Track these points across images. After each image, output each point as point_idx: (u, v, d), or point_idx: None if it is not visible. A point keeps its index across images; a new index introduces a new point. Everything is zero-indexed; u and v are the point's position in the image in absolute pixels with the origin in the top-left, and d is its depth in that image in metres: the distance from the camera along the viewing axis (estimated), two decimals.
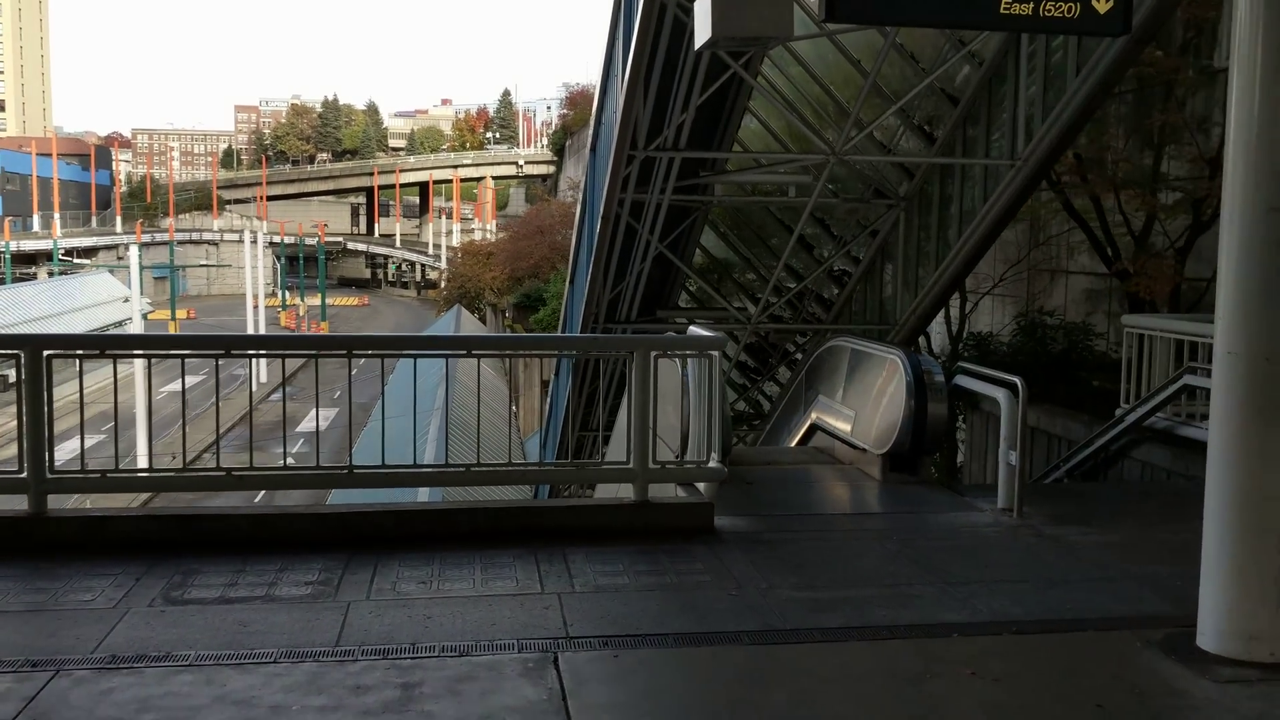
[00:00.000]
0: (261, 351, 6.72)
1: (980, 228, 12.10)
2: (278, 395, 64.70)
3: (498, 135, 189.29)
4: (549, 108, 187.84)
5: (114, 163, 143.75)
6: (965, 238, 12.35)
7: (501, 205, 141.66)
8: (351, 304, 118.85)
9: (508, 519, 6.47)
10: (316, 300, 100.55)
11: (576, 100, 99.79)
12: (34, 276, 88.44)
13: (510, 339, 9.96)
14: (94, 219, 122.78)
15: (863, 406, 8.71)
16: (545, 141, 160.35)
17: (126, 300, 76.33)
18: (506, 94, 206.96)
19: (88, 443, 6.86)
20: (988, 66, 11.93)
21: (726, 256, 17.60)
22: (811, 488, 8.38)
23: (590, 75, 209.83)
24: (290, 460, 6.85)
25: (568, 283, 15.29)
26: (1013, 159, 11.31)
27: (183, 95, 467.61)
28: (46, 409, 6.09)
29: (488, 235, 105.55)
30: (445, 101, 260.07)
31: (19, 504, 6.20)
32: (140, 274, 51.41)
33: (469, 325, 51.40)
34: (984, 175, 12.25)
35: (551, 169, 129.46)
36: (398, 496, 7.05)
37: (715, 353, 6.71)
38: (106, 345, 6.14)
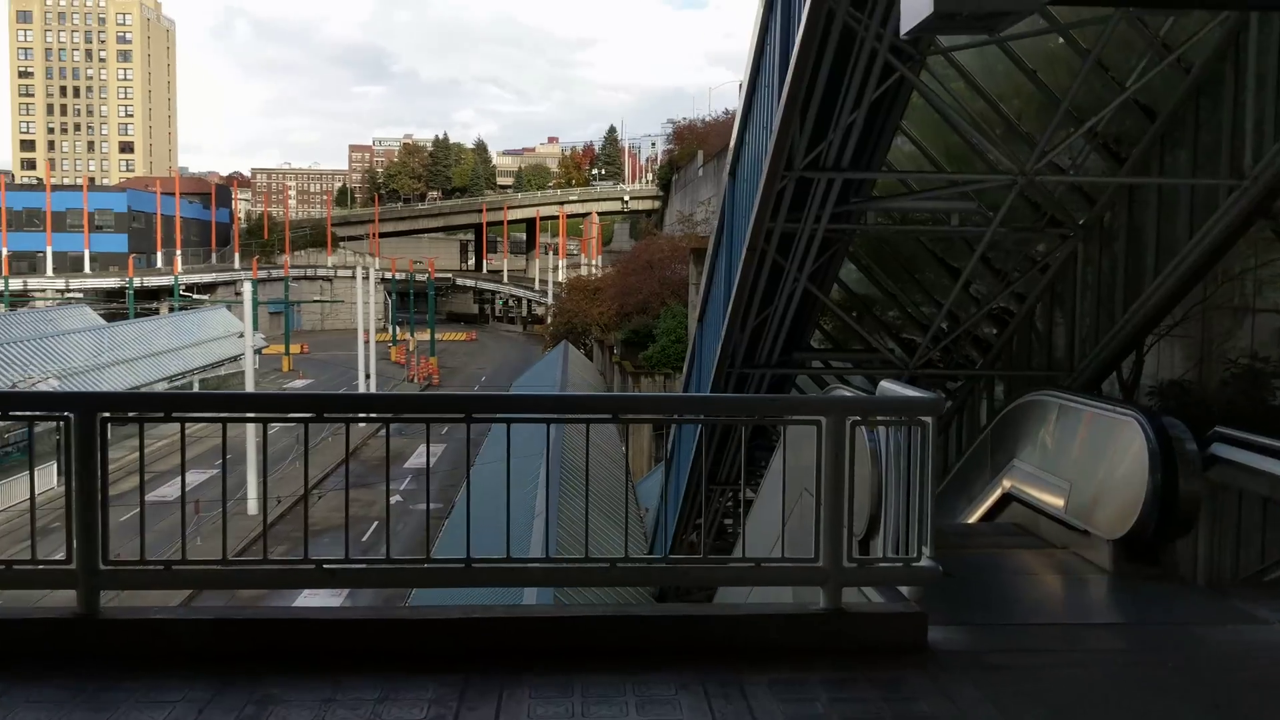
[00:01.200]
0: (362, 414, 5.08)
1: (1188, 260, 10.38)
2: (384, 432, 64.60)
3: (603, 172, 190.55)
4: (653, 144, 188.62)
5: (234, 201, 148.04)
6: (1167, 272, 10.62)
7: (606, 241, 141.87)
8: (459, 339, 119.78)
9: (663, 632, 5.07)
10: (426, 335, 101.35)
11: (683, 135, 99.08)
12: (156, 311, 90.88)
13: (666, 400, 8.40)
14: (213, 256, 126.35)
15: (1082, 477, 7.13)
16: (650, 177, 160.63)
17: (242, 335, 77.78)
18: (612, 131, 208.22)
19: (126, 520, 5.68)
20: (1196, 73, 10.26)
21: (868, 293, 16.02)
22: (1028, 582, 6.81)
23: (695, 112, 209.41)
24: (354, 542, 5.55)
25: (697, 321, 13.92)
26: (1238, 178, 9.60)
27: (300, 137, 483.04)
28: (101, 485, 4.90)
29: (594, 271, 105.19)
30: (552, 140, 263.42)
31: (68, 599, 5.02)
32: (255, 309, 51.82)
33: (576, 362, 50.52)
34: (1190, 199, 10.54)
35: (657, 204, 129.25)
36: (498, 596, 5.70)
37: (929, 419, 5.23)
38: (174, 405, 4.90)
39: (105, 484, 4.96)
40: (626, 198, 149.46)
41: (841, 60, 9.07)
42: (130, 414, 4.96)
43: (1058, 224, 12.44)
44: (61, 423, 4.88)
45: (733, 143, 12.03)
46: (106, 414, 4.92)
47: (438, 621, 5.00)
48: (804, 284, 11.65)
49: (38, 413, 4.96)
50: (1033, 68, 11.11)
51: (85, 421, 4.88)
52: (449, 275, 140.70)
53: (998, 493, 8.43)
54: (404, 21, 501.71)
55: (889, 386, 5.98)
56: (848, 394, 7.21)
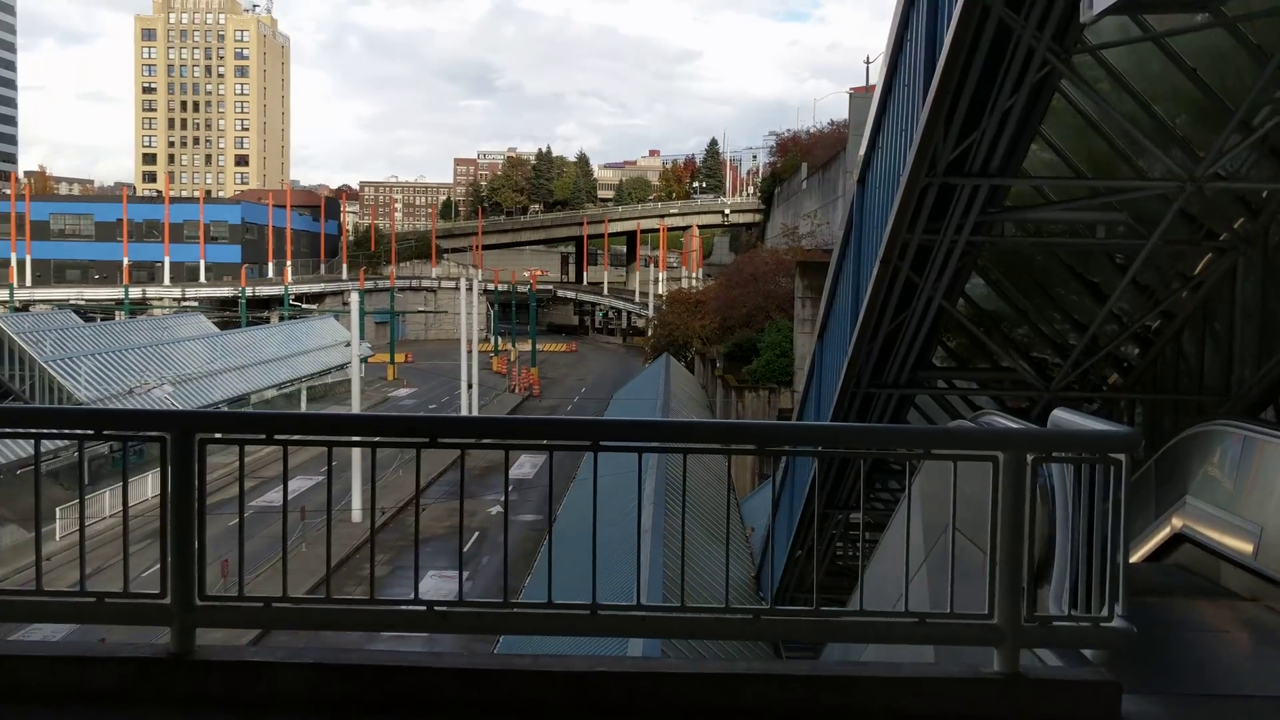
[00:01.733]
0: (485, 440, 4.56)
1: None
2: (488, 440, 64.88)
3: (704, 184, 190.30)
4: (754, 157, 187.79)
5: (342, 214, 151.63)
6: None
7: (706, 254, 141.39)
8: (560, 350, 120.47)
9: (812, 695, 4.45)
10: (527, 346, 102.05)
11: (786, 147, 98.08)
12: (267, 320, 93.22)
13: (812, 430, 7.50)
14: (322, 266, 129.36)
15: (1275, 520, 6.30)
16: (752, 190, 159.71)
17: (349, 344, 79.19)
18: (714, 143, 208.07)
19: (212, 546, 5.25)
20: None
21: (995, 308, 15.14)
22: (1218, 642, 6.00)
23: (799, 124, 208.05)
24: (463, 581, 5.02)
25: (816, 337, 13.24)
26: None
27: (407, 150, 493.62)
28: (198, 512, 4.49)
29: (694, 283, 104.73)
30: (653, 153, 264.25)
31: (160, 635, 4.61)
32: (361, 319, 52.52)
33: (678, 375, 50.02)
34: None
35: (758, 217, 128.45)
36: (585, 644, 5.07)
37: (1123, 456, 4.52)
38: (276, 426, 4.46)
39: (203, 512, 4.54)
40: (727, 210, 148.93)
41: (994, 59, 8.35)
42: (230, 435, 4.54)
43: (1214, 236, 11.47)
44: (160, 444, 4.48)
45: (863, 149, 11.34)
46: (205, 435, 4.51)
47: (560, 674, 4.47)
48: (939, 299, 10.90)
49: (132, 432, 4.56)
50: (1192, 66, 10.21)
51: (182, 443, 4.48)
52: (550, 287, 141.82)
53: (1165, 532, 7.61)
54: (510, 36, 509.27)
55: (1067, 417, 5.26)
56: (1017, 425, 6.50)
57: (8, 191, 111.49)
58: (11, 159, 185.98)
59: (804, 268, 41.27)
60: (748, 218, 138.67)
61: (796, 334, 40.81)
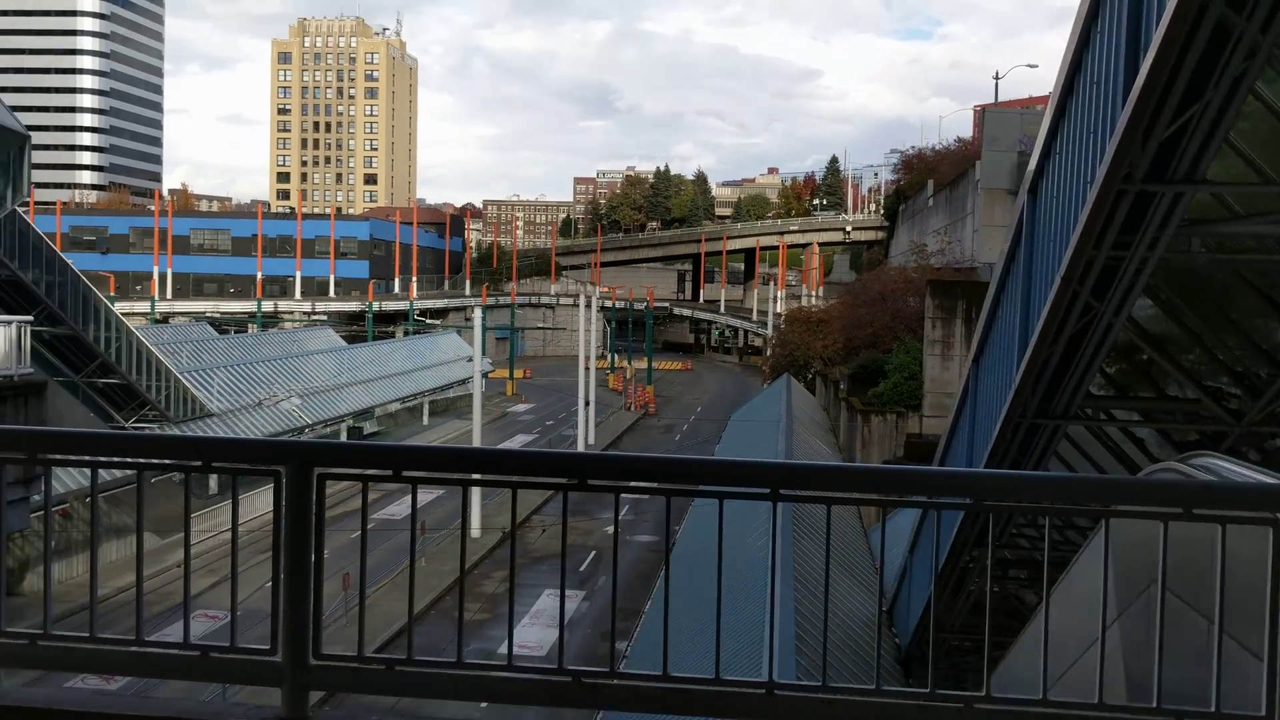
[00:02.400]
0: (636, 484, 3.82)
1: None
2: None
3: (824, 202, 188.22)
4: (875, 174, 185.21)
5: (466, 231, 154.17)
6: None
7: (826, 272, 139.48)
8: (675, 368, 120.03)
9: None
10: (643, 363, 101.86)
11: (911, 164, 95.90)
12: (392, 334, 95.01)
13: (1033, 481, 6.23)
14: (446, 282, 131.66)
15: None
16: (874, 207, 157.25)
17: (470, 360, 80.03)
18: (834, 161, 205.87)
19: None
20: None
21: (1164, 330, 13.89)
22: None
23: (922, 141, 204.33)
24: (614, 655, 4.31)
25: (971, 361, 12.26)
26: None
27: (528, 170, 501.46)
28: (315, 559, 3.91)
29: (814, 302, 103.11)
30: (772, 170, 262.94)
31: (269, 697, 4.04)
32: (483, 334, 52.80)
33: (799, 396, 48.86)
34: None
35: (880, 234, 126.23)
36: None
37: None
38: (404, 461, 3.85)
39: (321, 557, 3.96)
40: (849, 228, 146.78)
41: (1208, 57, 7.37)
42: (353, 470, 3.95)
43: None
44: (275, 478, 3.92)
45: (1035, 156, 10.37)
46: (324, 469, 3.93)
47: None
48: (1122, 322, 9.86)
49: (244, 465, 4.01)
50: None
51: (298, 478, 3.91)
52: (666, 304, 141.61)
53: None
54: (630, 58, 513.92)
55: (1229, 466, 4.31)
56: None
57: (152, 208, 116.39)
58: (157, 178, 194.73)
59: (935, 287, 39.79)
60: (870, 235, 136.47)
61: (926, 356, 39.34)
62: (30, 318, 17.35)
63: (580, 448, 62.73)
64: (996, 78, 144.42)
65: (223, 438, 4.00)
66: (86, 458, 4.13)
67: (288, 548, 3.93)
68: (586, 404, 63.70)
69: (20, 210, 32.26)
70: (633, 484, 3.83)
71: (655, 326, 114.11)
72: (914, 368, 39.53)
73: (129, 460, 4.02)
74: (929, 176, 72.62)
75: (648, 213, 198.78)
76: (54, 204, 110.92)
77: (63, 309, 33.86)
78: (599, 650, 31.64)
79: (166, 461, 4.09)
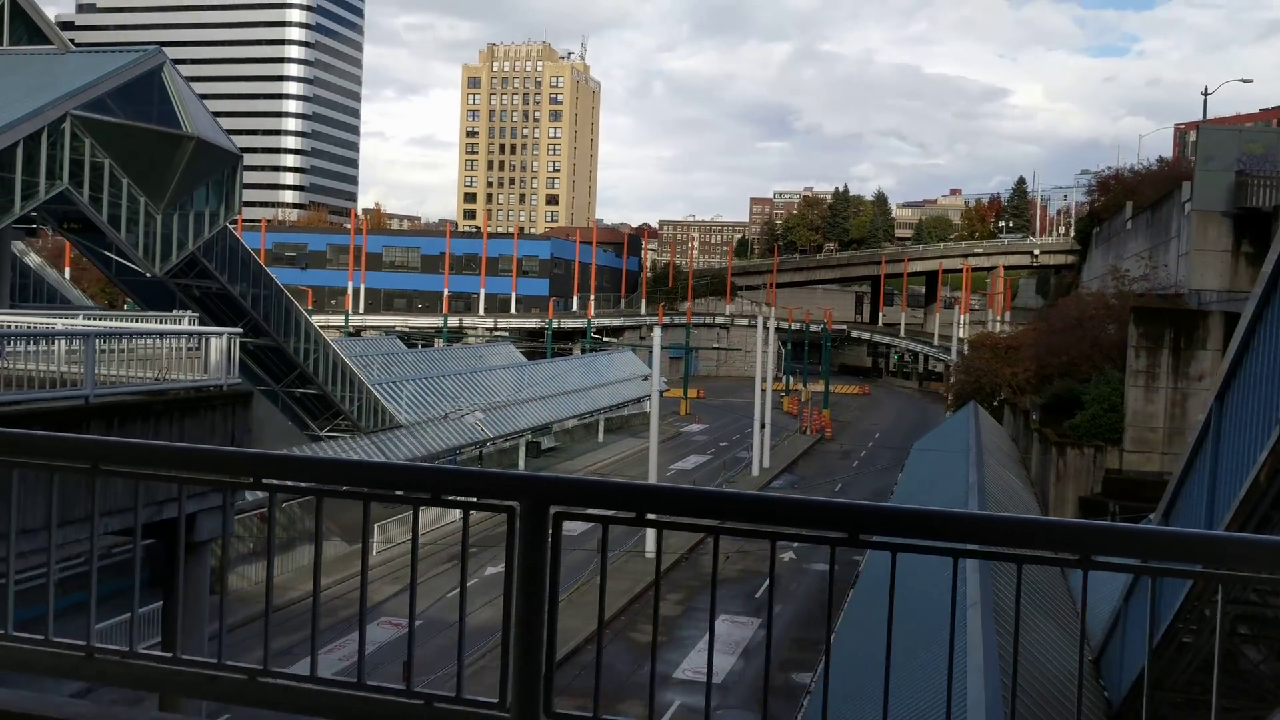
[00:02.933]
0: (934, 543, 3.27)
1: None
2: (779, 481, 63.98)
3: (1010, 224, 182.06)
4: (1065, 196, 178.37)
5: (643, 251, 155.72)
6: None
7: (1011, 296, 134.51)
8: (852, 392, 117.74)
9: None
10: (818, 386, 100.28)
11: (1107, 186, 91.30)
12: (569, 351, 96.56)
13: None
14: (622, 301, 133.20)
15: None
16: (1064, 230, 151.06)
17: (645, 378, 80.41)
18: (1021, 182, 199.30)
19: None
20: None
21: None
22: None
23: (1118, 162, 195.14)
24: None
25: (1214, 398, 11.12)
26: None
27: (705, 191, 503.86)
28: (549, 604, 3.57)
29: (1001, 327, 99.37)
30: (954, 192, 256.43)
31: None
32: (656, 353, 52.87)
33: (986, 425, 46.82)
34: None
35: (1071, 258, 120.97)
36: None
37: None
38: (651, 503, 3.47)
39: (555, 604, 3.62)
40: (1037, 251, 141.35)
41: None
42: (590, 510, 3.59)
43: None
44: (509, 514, 3.61)
45: None
46: (562, 509, 3.59)
47: None
48: None
49: (474, 499, 3.71)
50: None
51: (533, 517, 3.58)
52: (843, 327, 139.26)
53: None
54: (809, 78, 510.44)
55: None
56: None
57: (348, 226, 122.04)
58: (353, 197, 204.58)
59: (1139, 314, 37.50)
60: (1059, 259, 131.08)
61: (1128, 387, 37.06)
62: (240, 329, 18.04)
63: (755, 471, 61.95)
64: (1205, 94, 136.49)
65: (453, 468, 3.67)
66: (312, 485, 3.92)
67: (520, 592, 3.60)
68: (762, 426, 62.93)
69: (230, 226, 34.04)
70: (913, 542, 3.34)
71: (832, 349, 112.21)
72: (1114, 399, 37.28)
73: (357, 490, 3.77)
74: (1127, 198, 68.88)
75: (825, 233, 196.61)
76: (259, 221, 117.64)
77: (267, 321, 35.52)
78: (775, 681, 30.90)
79: (396, 493, 3.82)
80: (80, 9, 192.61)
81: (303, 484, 3.83)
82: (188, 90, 29.59)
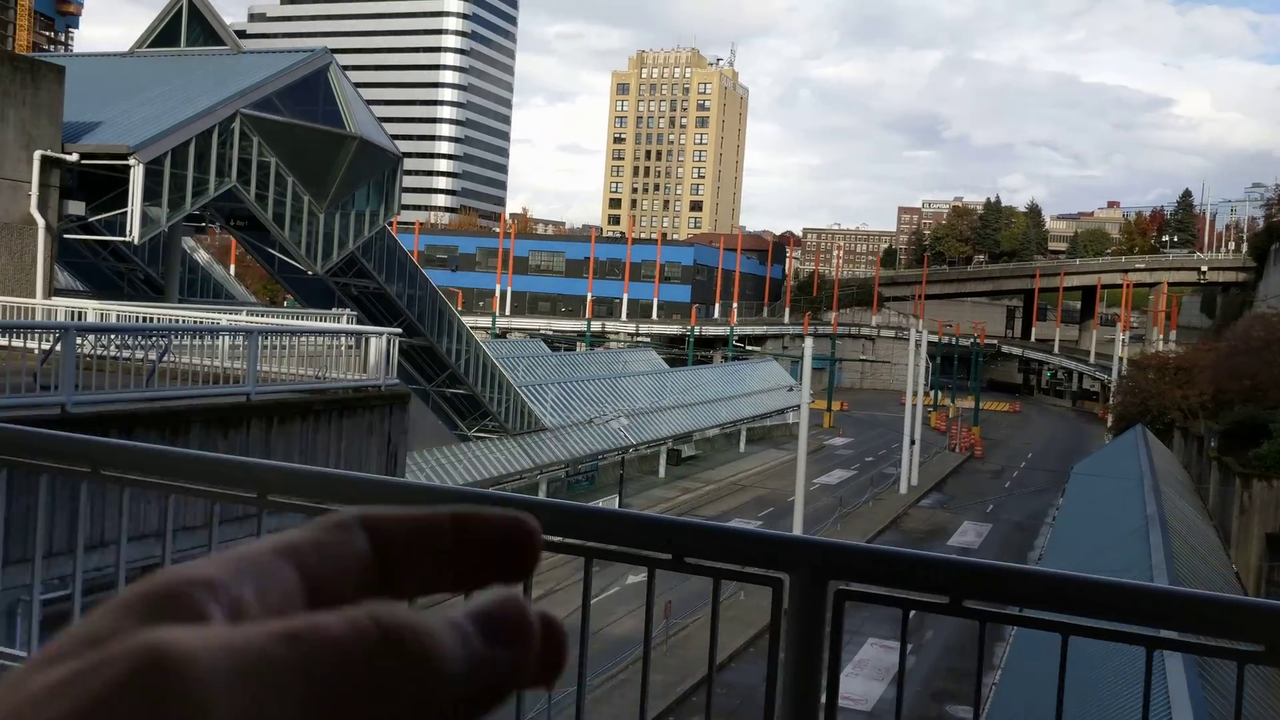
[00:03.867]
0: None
1: None
2: (927, 501, 61.75)
3: (1174, 239, 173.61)
4: (1233, 210, 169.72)
5: (787, 259, 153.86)
6: None
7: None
8: (1002, 409, 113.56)
9: None
10: (967, 402, 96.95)
11: None
12: (710, 359, 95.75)
13: None
14: (765, 309, 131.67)
15: None
16: (1233, 245, 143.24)
17: (790, 389, 78.96)
18: (1187, 195, 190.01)
19: None
20: None
21: None
22: None
23: None
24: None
25: None
26: None
27: (849, 199, 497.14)
28: (828, 703, 2.78)
29: (1166, 346, 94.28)
30: (1112, 204, 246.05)
31: None
32: (807, 365, 51.59)
33: (1158, 451, 44.02)
34: None
35: (1242, 275, 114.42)
36: None
37: None
38: (968, 584, 2.58)
39: (834, 701, 2.82)
40: (1204, 267, 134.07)
41: None
42: (887, 590, 2.76)
43: None
44: (774, 589, 2.84)
45: None
46: (845, 585, 2.79)
47: None
48: None
49: (728, 567, 2.94)
50: None
51: (808, 595, 2.78)
52: (994, 342, 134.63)
53: None
54: (960, 87, 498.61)
55: None
56: None
57: (497, 230, 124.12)
58: (501, 202, 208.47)
59: None
60: (1228, 276, 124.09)
61: None
62: (400, 330, 17.82)
63: (903, 488, 59.98)
64: None
65: (699, 524, 2.78)
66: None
67: (787, 689, 2.80)
68: (912, 443, 60.90)
69: (388, 227, 34.41)
70: (1092, 624, 2.38)
71: (982, 364, 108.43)
72: None
73: (581, 544, 3.02)
74: None
75: (974, 245, 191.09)
76: (413, 224, 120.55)
77: (421, 321, 35.79)
78: (929, 712, 29.43)
79: (629, 550, 3.07)
80: (252, 18, 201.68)
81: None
82: (352, 91, 29.97)
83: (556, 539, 3.06)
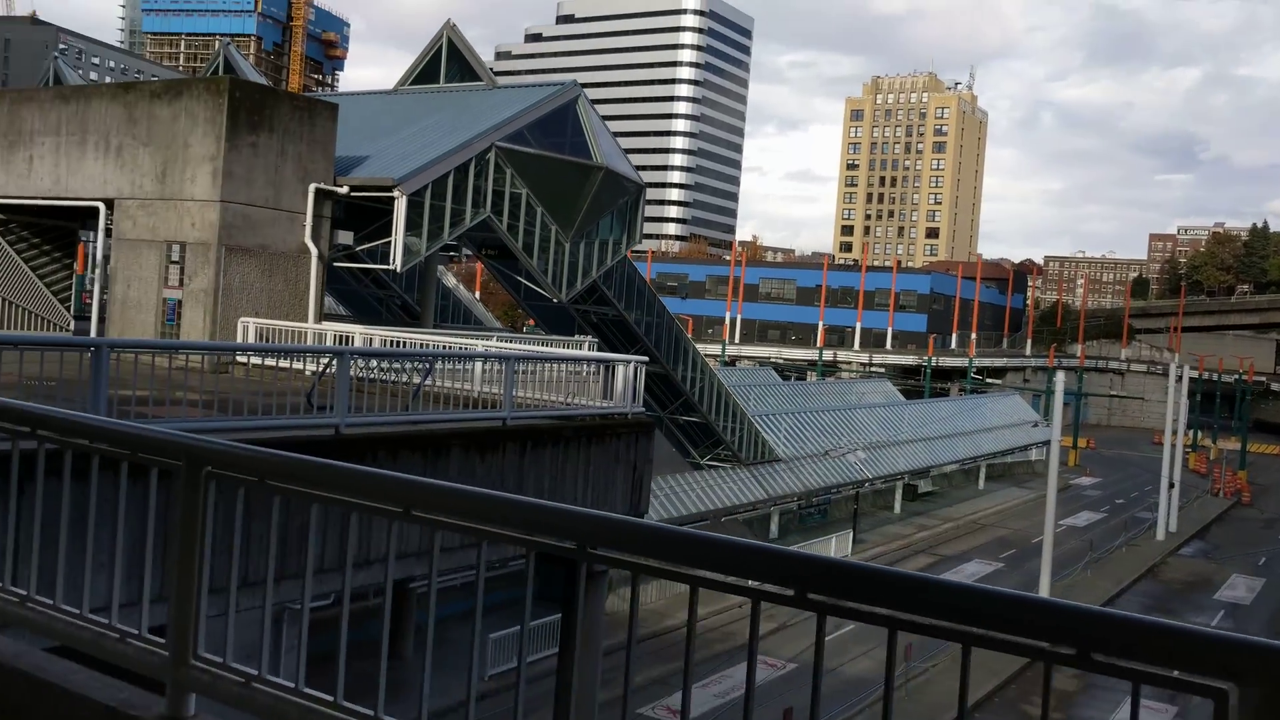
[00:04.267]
0: None
1: None
2: (1188, 549, 57.03)
3: None
4: None
5: (1028, 288, 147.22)
6: None
7: None
8: (1271, 452, 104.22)
9: None
10: (1229, 443, 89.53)
11: None
12: (946, 392, 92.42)
13: None
14: (1004, 340, 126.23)
15: None
16: None
17: (1035, 425, 75.18)
18: None
19: None
20: None
21: None
22: None
23: None
24: None
25: None
26: None
27: (1094, 225, 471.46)
28: None
29: None
30: None
31: None
32: (1050, 399, 48.82)
33: None
34: None
35: None
36: None
37: None
38: None
39: None
40: None
41: None
42: None
43: None
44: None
45: None
46: None
47: None
48: None
49: (1147, 670, 2.42)
50: None
51: (1271, 713, 2.24)
52: (1262, 378, 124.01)
53: None
54: (1220, 105, 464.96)
55: None
56: None
57: (727, 258, 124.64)
58: (730, 230, 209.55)
59: None
60: None
61: None
62: (645, 358, 17.77)
63: (1160, 534, 55.79)
64: None
65: (1113, 615, 2.21)
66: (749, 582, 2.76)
67: None
68: (1171, 485, 56.60)
69: (628, 256, 34.87)
70: None
71: (1249, 402, 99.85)
72: None
73: (962, 628, 2.57)
74: None
75: (1237, 274, 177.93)
76: (646, 252, 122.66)
77: (657, 348, 36.06)
78: None
79: (1016, 639, 2.59)
80: (498, 56, 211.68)
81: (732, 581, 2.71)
82: (599, 122, 30.59)
83: (926, 620, 2.62)
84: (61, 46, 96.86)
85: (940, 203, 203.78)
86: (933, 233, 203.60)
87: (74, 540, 4.51)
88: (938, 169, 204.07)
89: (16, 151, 24.64)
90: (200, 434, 3.99)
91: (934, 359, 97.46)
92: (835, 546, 43.26)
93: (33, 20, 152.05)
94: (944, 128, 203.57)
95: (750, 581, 2.79)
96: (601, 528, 3.11)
